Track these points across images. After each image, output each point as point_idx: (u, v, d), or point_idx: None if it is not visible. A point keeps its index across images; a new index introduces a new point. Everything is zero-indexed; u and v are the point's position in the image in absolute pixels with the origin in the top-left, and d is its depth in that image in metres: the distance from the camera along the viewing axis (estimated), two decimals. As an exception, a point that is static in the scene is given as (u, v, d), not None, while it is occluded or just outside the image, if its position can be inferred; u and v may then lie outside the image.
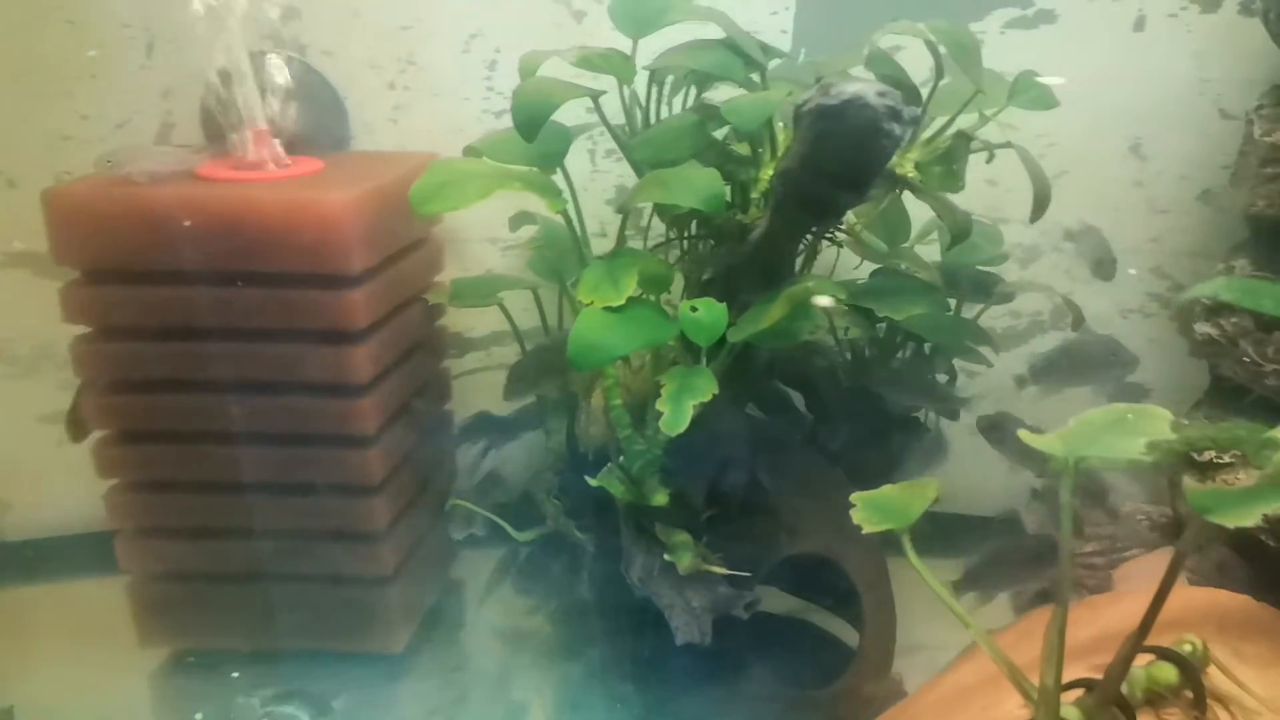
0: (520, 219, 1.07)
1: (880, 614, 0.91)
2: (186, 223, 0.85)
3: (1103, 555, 1.06)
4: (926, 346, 1.00)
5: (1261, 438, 0.61)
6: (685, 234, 0.89)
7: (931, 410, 1.00)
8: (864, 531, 0.73)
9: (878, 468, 0.98)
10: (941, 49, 0.75)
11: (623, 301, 0.73)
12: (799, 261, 0.88)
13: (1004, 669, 0.65)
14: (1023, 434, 0.64)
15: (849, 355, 1.02)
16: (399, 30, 1.10)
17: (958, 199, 0.83)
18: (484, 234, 1.15)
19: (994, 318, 1.17)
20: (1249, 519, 0.56)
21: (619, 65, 0.83)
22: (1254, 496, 0.57)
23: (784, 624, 1.02)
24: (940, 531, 1.10)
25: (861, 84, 0.64)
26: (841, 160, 0.67)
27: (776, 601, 0.99)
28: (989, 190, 1.13)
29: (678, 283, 0.87)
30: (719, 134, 0.84)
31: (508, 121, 0.78)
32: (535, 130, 0.78)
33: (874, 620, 0.89)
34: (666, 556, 0.81)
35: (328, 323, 0.88)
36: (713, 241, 0.89)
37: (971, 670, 0.79)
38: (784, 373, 0.97)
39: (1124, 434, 0.63)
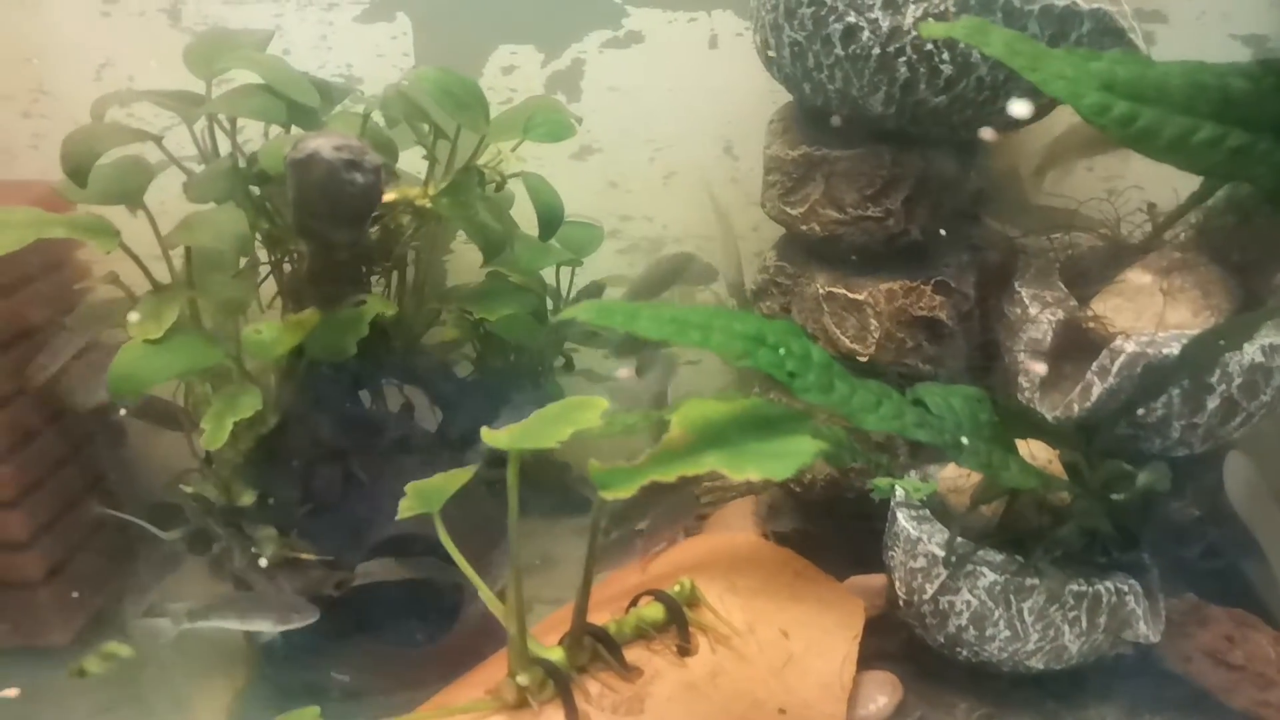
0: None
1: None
2: None
3: (712, 505, 1.22)
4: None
5: (657, 420, 0.74)
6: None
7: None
8: (399, 517, 0.86)
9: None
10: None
11: (161, 334, 0.82)
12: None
13: (503, 621, 0.79)
14: (484, 432, 0.76)
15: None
16: (23, 62, 1.14)
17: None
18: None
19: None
20: (626, 493, 0.69)
21: (181, 107, 0.90)
22: (637, 472, 0.70)
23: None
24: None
25: (321, 140, 0.74)
26: (319, 203, 0.77)
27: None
28: (611, 191, 1.26)
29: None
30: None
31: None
32: (84, 176, 0.85)
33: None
34: (253, 550, 0.91)
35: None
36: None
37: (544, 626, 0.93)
38: (401, 375, 1.08)
39: (562, 424, 0.75)
